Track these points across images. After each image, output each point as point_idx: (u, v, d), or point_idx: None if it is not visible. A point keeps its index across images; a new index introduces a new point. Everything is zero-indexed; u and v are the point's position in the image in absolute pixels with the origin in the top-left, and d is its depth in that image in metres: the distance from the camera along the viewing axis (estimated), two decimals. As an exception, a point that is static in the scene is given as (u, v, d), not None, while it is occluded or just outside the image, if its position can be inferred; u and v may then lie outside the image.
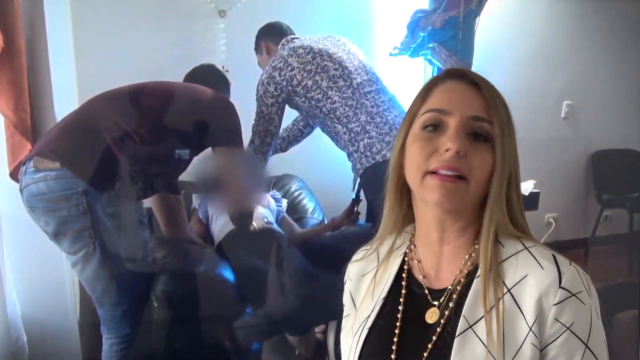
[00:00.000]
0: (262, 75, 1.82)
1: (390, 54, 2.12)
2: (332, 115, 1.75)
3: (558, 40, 2.57)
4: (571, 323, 0.69)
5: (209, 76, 1.86)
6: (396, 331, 0.75)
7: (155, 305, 1.70)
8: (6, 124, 1.65)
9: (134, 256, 1.66)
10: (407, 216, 0.83)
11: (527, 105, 2.52)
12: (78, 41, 1.89)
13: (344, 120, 1.73)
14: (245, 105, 1.84)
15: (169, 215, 1.83)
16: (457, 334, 0.71)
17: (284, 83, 1.77)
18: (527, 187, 2.06)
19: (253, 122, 1.83)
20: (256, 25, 1.97)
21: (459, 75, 0.77)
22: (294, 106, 1.84)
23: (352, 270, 0.87)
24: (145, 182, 1.67)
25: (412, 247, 0.82)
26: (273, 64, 1.80)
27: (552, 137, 2.64)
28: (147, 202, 1.81)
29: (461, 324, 0.71)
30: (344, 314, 0.85)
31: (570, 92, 2.68)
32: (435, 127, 0.74)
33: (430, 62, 2.13)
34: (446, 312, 0.74)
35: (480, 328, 0.70)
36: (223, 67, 1.92)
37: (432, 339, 0.73)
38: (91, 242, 1.53)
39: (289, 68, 1.77)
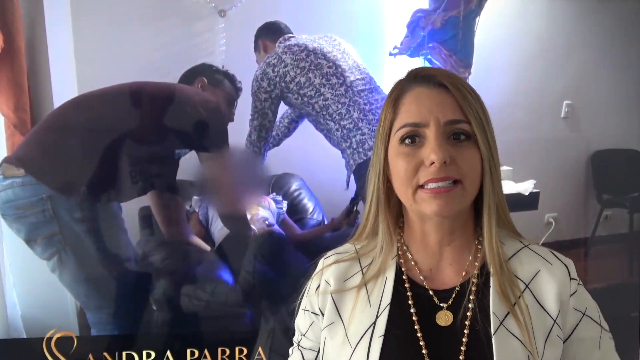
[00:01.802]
0: (256, 71, 1.86)
1: (390, 54, 2.12)
2: (324, 112, 1.78)
3: (558, 40, 2.57)
4: (585, 308, 0.77)
5: (206, 76, 1.86)
6: (419, 334, 0.73)
7: (155, 308, 1.70)
8: (6, 124, 1.66)
9: (114, 259, 1.65)
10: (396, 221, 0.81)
11: (527, 105, 2.51)
12: (78, 41, 1.89)
13: (337, 117, 1.77)
14: (245, 104, 1.84)
15: (167, 215, 1.83)
16: (493, 332, 0.71)
17: (277, 79, 1.80)
18: (527, 187, 2.06)
19: (250, 118, 1.86)
20: (256, 25, 1.97)
21: (424, 77, 0.75)
22: (288, 103, 1.87)
23: (330, 273, 0.81)
24: (132, 182, 1.66)
25: (404, 248, 0.80)
26: (267, 60, 1.84)
27: (552, 137, 2.63)
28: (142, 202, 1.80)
29: (493, 322, 0.72)
30: (325, 322, 0.79)
31: (570, 92, 2.67)
32: (413, 138, 0.72)
33: (430, 62, 2.12)
34: (468, 314, 0.73)
35: (509, 323, 0.72)
36: (223, 67, 1.93)
37: (461, 340, 0.72)
38: (62, 247, 1.53)
39: (282, 64, 1.80)
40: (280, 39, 1.90)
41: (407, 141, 0.73)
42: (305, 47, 1.84)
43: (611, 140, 2.79)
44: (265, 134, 1.89)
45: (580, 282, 0.77)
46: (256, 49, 1.99)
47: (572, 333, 0.76)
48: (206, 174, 1.76)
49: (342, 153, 1.82)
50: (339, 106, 1.77)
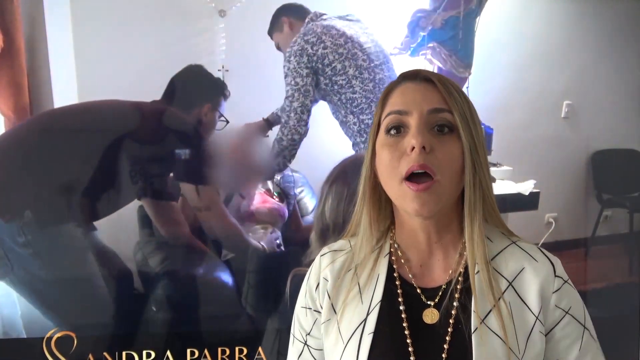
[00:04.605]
0: (292, 46, 1.76)
1: (390, 54, 2.12)
2: (348, 105, 1.74)
3: (558, 41, 2.57)
4: (569, 307, 0.76)
5: (200, 82, 1.81)
6: (406, 332, 0.75)
7: (154, 309, 1.70)
8: (6, 124, 1.66)
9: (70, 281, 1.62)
10: (386, 218, 0.83)
11: (527, 105, 2.52)
12: (78, 41, 1.89)
13: (357, 111, 1.74)
14: (245, 105, 1.84)
15: (162, 219, 1.81)
16: (472, 330, 0.72)
17: (315, 58, 1.73)
18: (527, 187, 2.07)
19: (285, 101, 1.77)
20: (256, 25, 1.97)
21: (412, 75, 0.78)
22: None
23: (327, 270, 0.83)
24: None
25: (396, 246, 0.81)
26: (305, 38, 1.75)
27: (552, 137, 2.63)
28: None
29: (474, 320, 0.72)
30: (323, 319, 0.81)
31: (570, 92, 2.67)
32: (398, 129, 0.74)
33: (430, 62, 2.13)
34: (453, 312, 0.74)
35: (491, 322, 0.72)
36: (223, 67, 1.92)
37: (445, 339, 0.73)
38: (10, 270, 1.52)
39: (322, 45, 1.74)
40: (312, 15, 1.81)
41: (392, 132, 0.75)
42: (344, 32, 1.77)
43: (611, 140, 2.79)
44: (307, 117, 1.77)
45: (569, 282, 0.77)
46: (277, 28, 1.89)
47: (551, 330, 0.76)
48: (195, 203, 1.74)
49: (353, 146, 1.80)
50: (363, 101, 1.73)
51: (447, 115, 0.73)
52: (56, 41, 1.73)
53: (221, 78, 1.88)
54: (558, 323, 0.76)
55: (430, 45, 2.09)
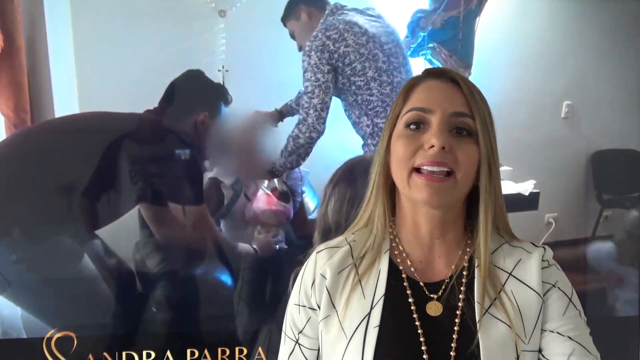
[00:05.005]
0: (312, 41, 1.72)
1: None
2: (363, 106, 1.71)
3: (558, 41, 2.57)
4: (555, 281, 0.79)
5: (197, 88, 1.78)
6: (417, 323, 0.76)
7: (154, 310, 1.70)
8: (6, 124, 1.66)
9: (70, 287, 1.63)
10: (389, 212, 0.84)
11: (527, 105, 2.51)
12: (78, 41, 1.89)
13: (372, 113, 1.71)
14: (245, 106, 1.84)
15: (158, 223, 1.80)
16: (478, 319, 0.74)
17: (336, 56, 1.69)
18: (527, 187, 2.07)
19: (304, 97, 1.73)
20: (256, 25, 1.96)
21: (438, 73, 0.80)
22: None
23: (324, 266, 0.82)
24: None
25: (397, 240, 0.82)
26: (327, 33, 1.70)
27: (552, 137, 2.63)
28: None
29: (478, 311, 0.75)
30: (321, 315, 0.80)
31: (570, 92, 2.67)
32: (418, 125, 0.76)
33: (431, 62, 2.13)
34: (459, 304, 0.76)
35: (495, 311, 0.75)
36: (223, 67, 1.92)
37: (453, 329, 0.75)
38: (8, 286, 1.54)
39: (344, 43, 1.69)
40: (332, 7, 1.76)
41: (411, 126, 0.76)
42: (366, 31, 1.72)
43: (611, 140, 2.79)
44: (326, 114, 1.71)
45: (559, 267, 0.81)
46: (293, 16, 1.82)
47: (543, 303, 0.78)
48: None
49: (363, 146, 1.78)
50: (380, 104, 1.71)
51: (468, 120, 0.75)
52: (56, 41, 1.73)
53: (221, 78, 1.88)
54: (544, 294, 0.77)
55: (430, 45, 2.09)
